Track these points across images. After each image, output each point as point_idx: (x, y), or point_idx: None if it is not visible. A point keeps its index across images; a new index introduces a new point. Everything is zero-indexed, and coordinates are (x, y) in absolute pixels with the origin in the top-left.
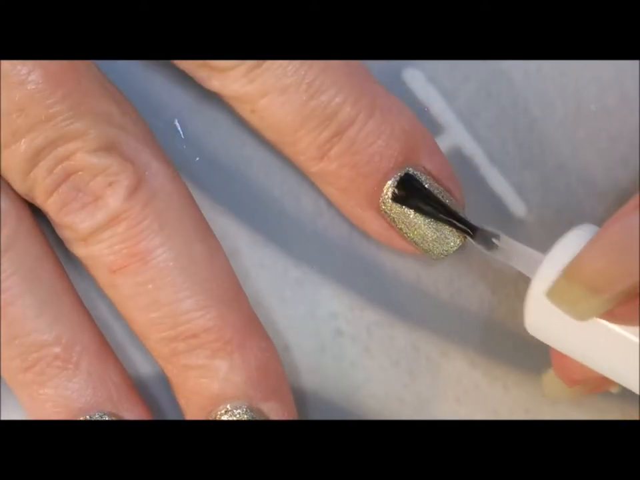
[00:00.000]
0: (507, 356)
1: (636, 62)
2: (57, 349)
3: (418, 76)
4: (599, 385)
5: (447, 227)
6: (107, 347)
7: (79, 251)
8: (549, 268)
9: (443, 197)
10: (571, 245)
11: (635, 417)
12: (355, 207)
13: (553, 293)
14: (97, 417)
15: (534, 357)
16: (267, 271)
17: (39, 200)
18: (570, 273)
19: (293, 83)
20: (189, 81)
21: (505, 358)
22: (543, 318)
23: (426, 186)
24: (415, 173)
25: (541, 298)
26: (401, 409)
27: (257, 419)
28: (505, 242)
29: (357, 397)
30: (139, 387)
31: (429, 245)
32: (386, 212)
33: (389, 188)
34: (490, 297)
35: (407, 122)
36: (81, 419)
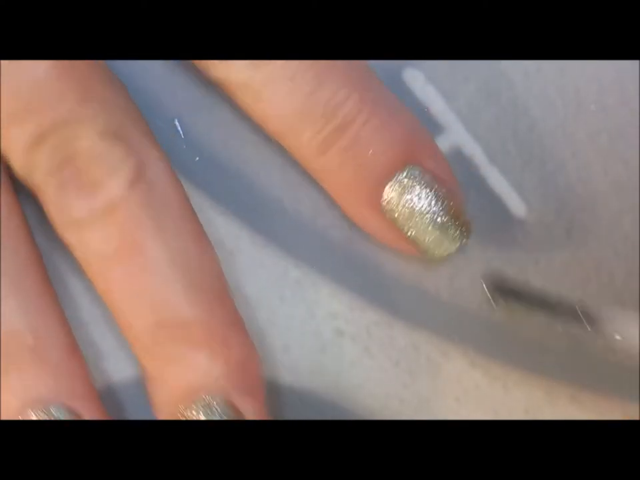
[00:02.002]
0: (507, 356)
1: (636, 62)
2: (29, 339)
3: (418, 76)
4: None
5: (450, 232)
6: (77, 347)
7: (71, 236)
8: None
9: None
10: None
11: (635, 417)
12: (355, 205)
13: None
14: (54, 412)
15: (534, 357)
16: (266, 271)
17: (38, 180)
18: None
19: (299, 71)
20: (189, 80)
21: (505, 358)
22: None
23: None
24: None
25: None
26: (401, 409)
27: (230, 416)
28: (624, 330)
29: (357, 397)
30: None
31: (428, 245)
32: (387, 210)
33: (391, 185)
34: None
35: (409, 123)
36: (39, 409)
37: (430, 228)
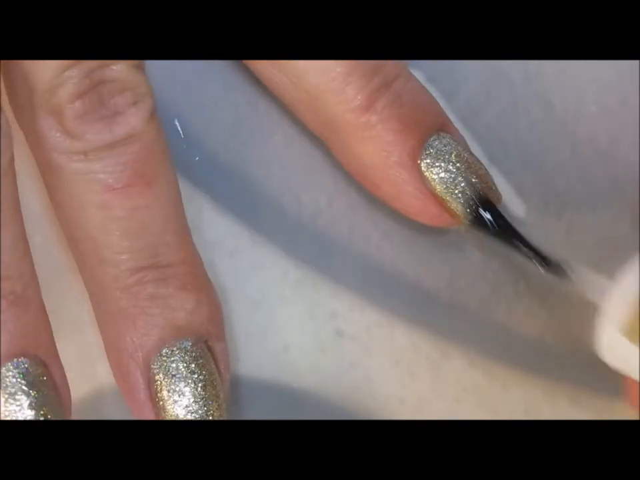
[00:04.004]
0: (507, 356)
1: (636, 62)
2: (17, 285)
3: (418, 76)
4: None
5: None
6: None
7: (75, 165)
8: (618, 301)
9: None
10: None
11: (634, 417)
12: (394, 165)
13: (624, 331)
14: (24, 366)
15: (534, 357)
16: (267, 272)
17: (61, 100)
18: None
19: None
20: (189, 80)
21: (505, 358)
22: (618, 349)
23: (501, 211)
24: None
25: (613, 330)
26: (401, 409)
27: (207, 358)
28: (578, 272)
29: (357, 397)
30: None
31: (462, 208)
32: (425, 171)
33: (430, 142)
34: (490, 296)
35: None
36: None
37: (466, 190)
